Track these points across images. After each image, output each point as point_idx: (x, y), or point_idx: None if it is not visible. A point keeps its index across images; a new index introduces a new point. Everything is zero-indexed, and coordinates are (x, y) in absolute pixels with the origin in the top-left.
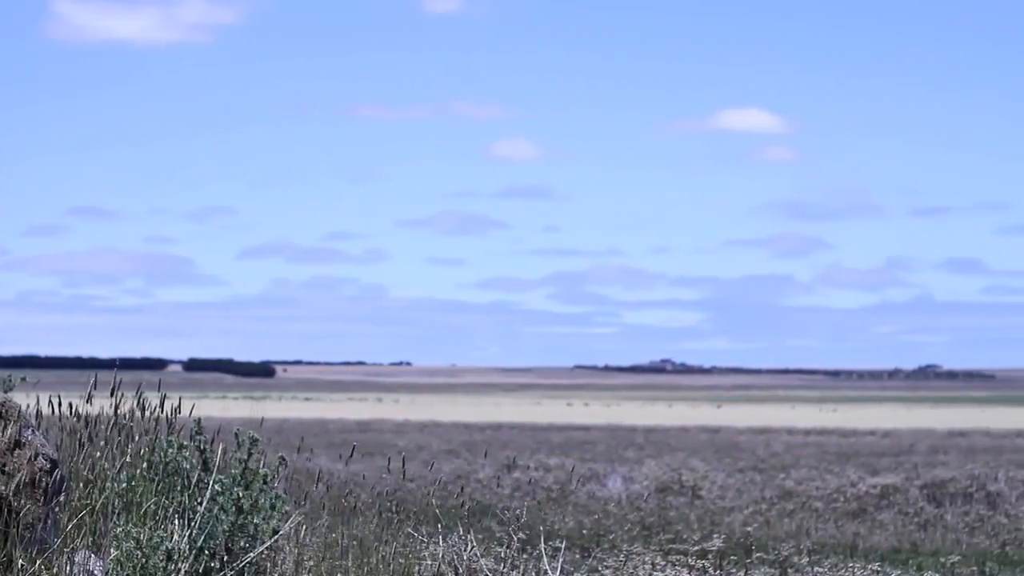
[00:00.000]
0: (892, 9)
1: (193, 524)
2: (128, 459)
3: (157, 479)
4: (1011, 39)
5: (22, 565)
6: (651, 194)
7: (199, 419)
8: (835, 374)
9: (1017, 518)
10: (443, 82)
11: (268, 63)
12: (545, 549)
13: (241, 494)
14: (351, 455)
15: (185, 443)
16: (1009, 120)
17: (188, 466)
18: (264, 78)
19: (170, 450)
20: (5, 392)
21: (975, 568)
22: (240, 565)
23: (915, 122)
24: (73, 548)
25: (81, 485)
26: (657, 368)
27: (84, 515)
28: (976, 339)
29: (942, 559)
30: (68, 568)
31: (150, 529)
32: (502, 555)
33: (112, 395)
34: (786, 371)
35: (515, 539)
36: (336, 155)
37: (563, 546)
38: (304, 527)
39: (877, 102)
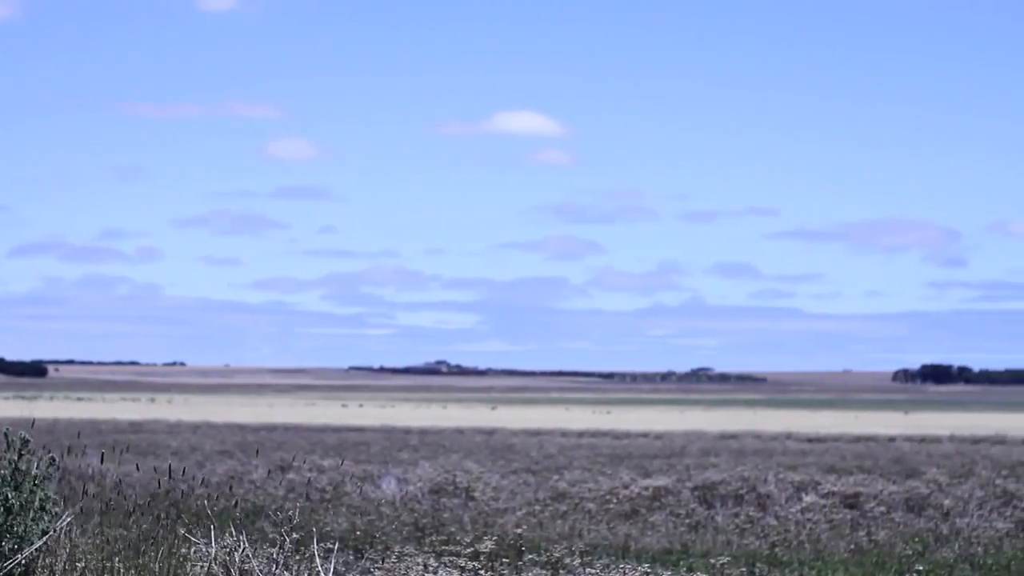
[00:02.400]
0: (663, 16)
1: None
2: None
3: None
4: (777, 46)
5: None
6: (426, 195)
7: None
8: (609, 376)
9: (786, 519)
10: (217, 81)
11: (40, 59)
12: (318, 550)
13: (10, 495)
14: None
15: None
16: (778, 127)
17: None
18: (36, 74)
19: None
20: None
21: (744, 569)
22: (8, 567)
23: (686, 128)
24: None
25: None
26: (432, 370)
27: None
28: (747, 342)
29: (712, 560)
30: None
31: None
32: (274, 556)
33: None
34: (560, 373)
35: (288, 540)
36: (109, 153)
37: (336, 547)
38: (75, 528)
39: (651, 107)
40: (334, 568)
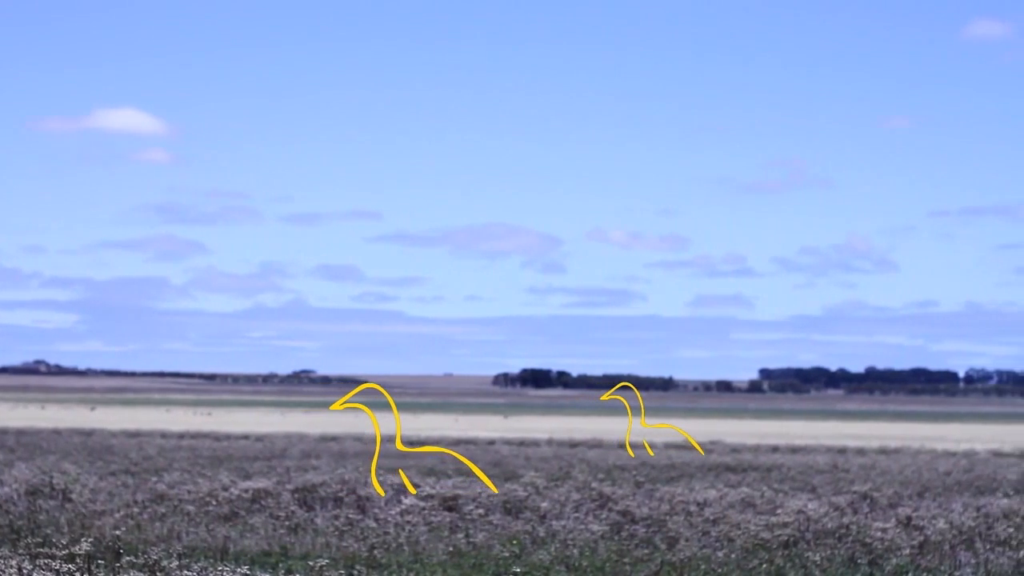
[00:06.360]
0: (265, 15)
1: None
2: None
3: None
4: (380, 49)
5: None
6: (25, 192)
7: None
8: (210, 378)
9: (386, 522)
10: None
11: None
12: None
13: None
14: None
15: None
16: (380, 131)
17: None
18: None
19: None
20: None
21: (343, 571)
22: None
23: (290, 129)
24: None
25: None
26: (31, 369)
27: None
28: (349, 345)
29: (311, 562)
30: None
31: None
32: None
33: None
34: (161, 374)
35: None
36: None
37: None
38: None
39: (255, 108)
40: None
